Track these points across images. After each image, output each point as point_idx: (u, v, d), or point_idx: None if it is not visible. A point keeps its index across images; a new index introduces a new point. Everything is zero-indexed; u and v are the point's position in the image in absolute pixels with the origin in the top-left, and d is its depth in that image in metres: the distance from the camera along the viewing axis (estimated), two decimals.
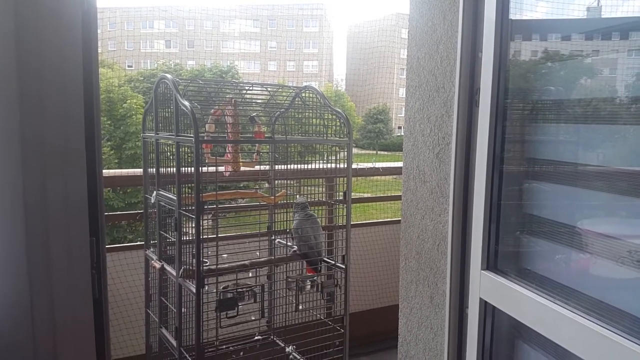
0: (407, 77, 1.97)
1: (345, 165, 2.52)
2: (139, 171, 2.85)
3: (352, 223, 2.61)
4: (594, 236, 1.31)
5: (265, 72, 41.15)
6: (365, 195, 6.54)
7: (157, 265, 2.45)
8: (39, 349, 1.17)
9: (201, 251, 2.16)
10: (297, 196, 2.64)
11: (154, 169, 2.49)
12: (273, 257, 2.64)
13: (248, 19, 42.61)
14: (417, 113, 1.91)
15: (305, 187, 2.67)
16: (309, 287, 2.55)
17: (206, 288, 2.23)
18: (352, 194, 2.62)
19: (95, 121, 1.23)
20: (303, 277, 2.58)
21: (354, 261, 3.55)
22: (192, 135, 2.09)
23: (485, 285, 1.51)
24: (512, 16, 1.46)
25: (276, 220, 2.75)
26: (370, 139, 32.11)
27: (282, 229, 2.72)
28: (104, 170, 1.41)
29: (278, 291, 2.63)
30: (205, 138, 2.34)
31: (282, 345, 2.66)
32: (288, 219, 2.69)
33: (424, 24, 1.84)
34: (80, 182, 1.19)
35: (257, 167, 2.72)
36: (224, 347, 2.54)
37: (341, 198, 2.55)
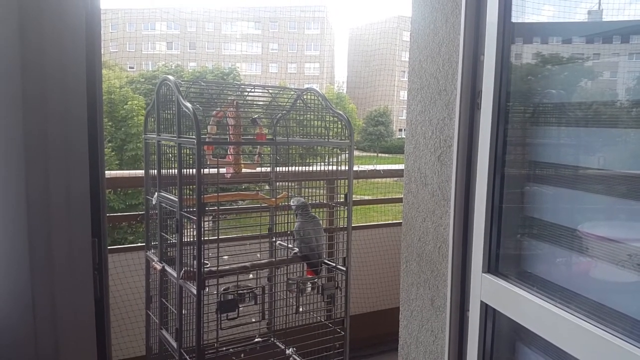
0: (409, 79, 1.97)
1: (347, 168, 2.53)
2: (140, 172, 2.85)
3: (352, 225, 2.61)
4: (594, 239, 1.31)
5: (267, 74, 41.18)
6: (366, 197, 6.54)
7: (158, 266, 2.45)
8: (41, 350, 1.17)
9: (202, 253, 2.16)
10: (295, 197, 2.63)
11: (156, 171, 2.49)
12: (274, 259, 2.64)
13: (249, 20, 42.70)
14: (418, 115, 1.91)
15: (307, 189, 2.67)
16: (309, 289, 2.55)
17: (207, 290, 2.23)
18: (353, 196, 2.62)
19: (98, 121, 1.23)
20: (304, 279, 2.58)
21: (355, 263, 3.55)
22: (194, 136, 2.09)
23: (486, 288, 1.51)
24: (514, 19, 1.46)
25: (277, 222, 2.75)
26: (371, 141, 32.14)
27: (283, 230, 2.72)
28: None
29: (278, 293, 2.63)
30: (207, 140, 2.34)
31: (283, 347, 2.66)
32: (289, 221, 2.69)
33: (426, 27, 1.85)
34: (83, 182, 1.19)
35: (258, 169, 2.72)
36: (224, 349, 2.54)
37: (342, 200, 2.55)
